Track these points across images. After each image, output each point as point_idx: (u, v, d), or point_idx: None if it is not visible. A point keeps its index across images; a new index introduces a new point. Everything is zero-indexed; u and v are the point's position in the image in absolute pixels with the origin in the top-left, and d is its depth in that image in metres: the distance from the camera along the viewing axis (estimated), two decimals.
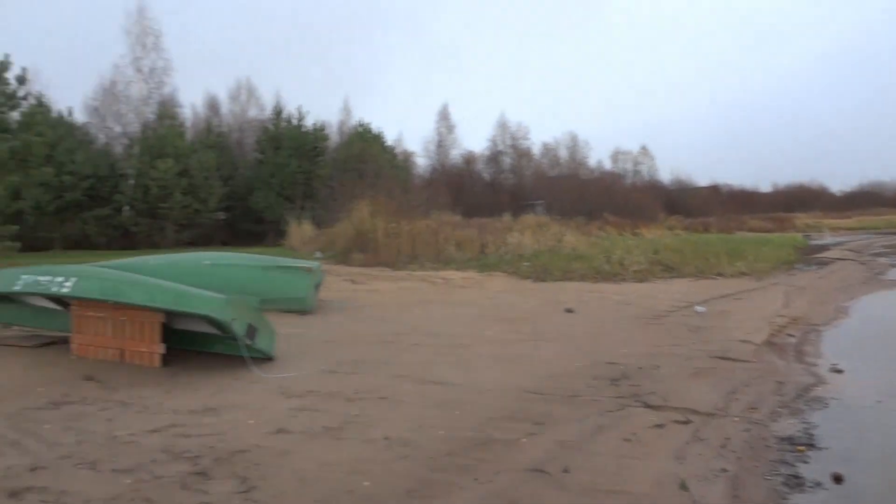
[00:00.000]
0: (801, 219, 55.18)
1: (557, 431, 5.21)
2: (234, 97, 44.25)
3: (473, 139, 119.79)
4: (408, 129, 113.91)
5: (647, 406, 5.94)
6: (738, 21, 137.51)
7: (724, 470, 4.61)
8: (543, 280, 16.58)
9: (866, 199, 73.08)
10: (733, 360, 7.91)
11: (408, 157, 52.43)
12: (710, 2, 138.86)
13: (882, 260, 25.52)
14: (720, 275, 17.46)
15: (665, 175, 65.10)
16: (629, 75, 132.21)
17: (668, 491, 4.25)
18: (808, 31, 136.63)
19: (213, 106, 43.65)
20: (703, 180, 68.55)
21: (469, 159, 58.63)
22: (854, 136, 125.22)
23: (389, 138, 45.24)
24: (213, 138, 37.72)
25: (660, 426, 5.40)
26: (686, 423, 5.53)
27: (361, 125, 43.68)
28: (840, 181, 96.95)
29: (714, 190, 67.10)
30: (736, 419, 5.76)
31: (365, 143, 40.56)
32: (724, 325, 10.25)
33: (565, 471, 4.45)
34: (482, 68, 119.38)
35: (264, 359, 7.33)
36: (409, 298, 13.56)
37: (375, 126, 43.57)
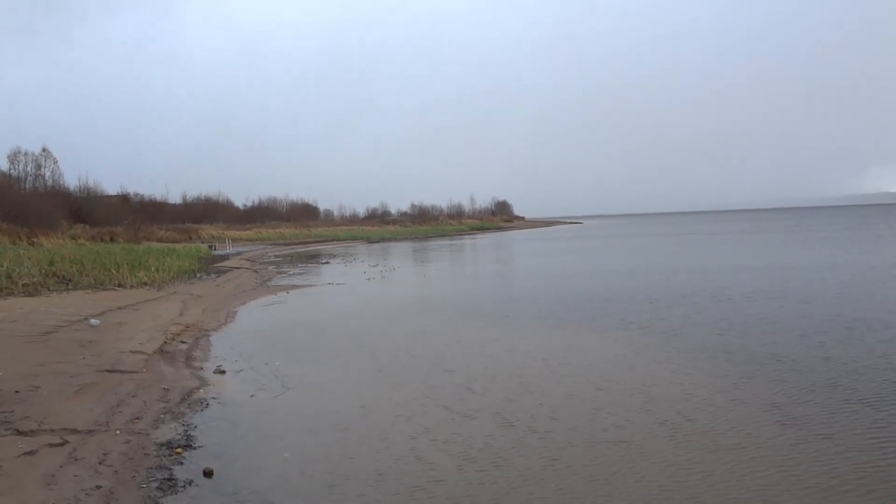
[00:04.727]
0: (207, 230, 58.02)
1: None
2: None
3: None
4: None
5: (19, 433, 5.42)
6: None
7: (99, 487, 4.55)
8: None
9: (264, 214, 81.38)
10: (122, 371, 7.84)
11: None
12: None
13: (271, 268, 28.81)
14: (121, 286, 17.12)
15: (72, 181, 59.80)
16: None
17: None
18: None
19: None
20: (112, 188, 65.46)
21: None
22: (246, 156, 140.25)
23: None
24: None
25: (31, 453, 5.00)
26: (62, 444, 5.25)
27: None
28: (243, 196, 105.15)
29: (124, 199, 64.97)
30: (118, 432, 5.74)
31: None
32: (118, 337, 10.07)
33: None
34: None
35: None
36: None
37: None
